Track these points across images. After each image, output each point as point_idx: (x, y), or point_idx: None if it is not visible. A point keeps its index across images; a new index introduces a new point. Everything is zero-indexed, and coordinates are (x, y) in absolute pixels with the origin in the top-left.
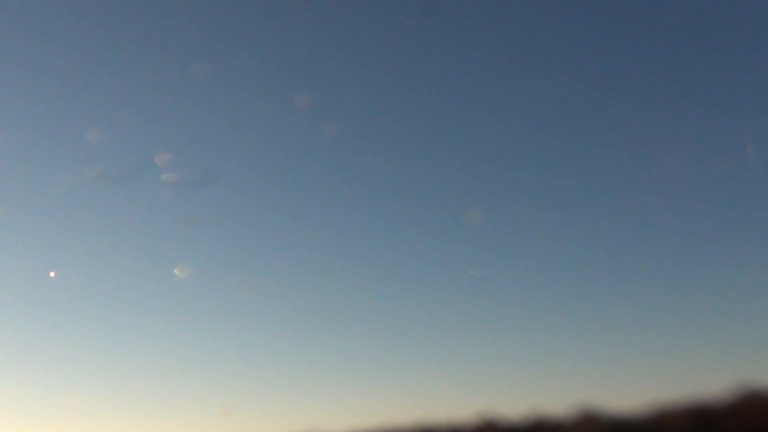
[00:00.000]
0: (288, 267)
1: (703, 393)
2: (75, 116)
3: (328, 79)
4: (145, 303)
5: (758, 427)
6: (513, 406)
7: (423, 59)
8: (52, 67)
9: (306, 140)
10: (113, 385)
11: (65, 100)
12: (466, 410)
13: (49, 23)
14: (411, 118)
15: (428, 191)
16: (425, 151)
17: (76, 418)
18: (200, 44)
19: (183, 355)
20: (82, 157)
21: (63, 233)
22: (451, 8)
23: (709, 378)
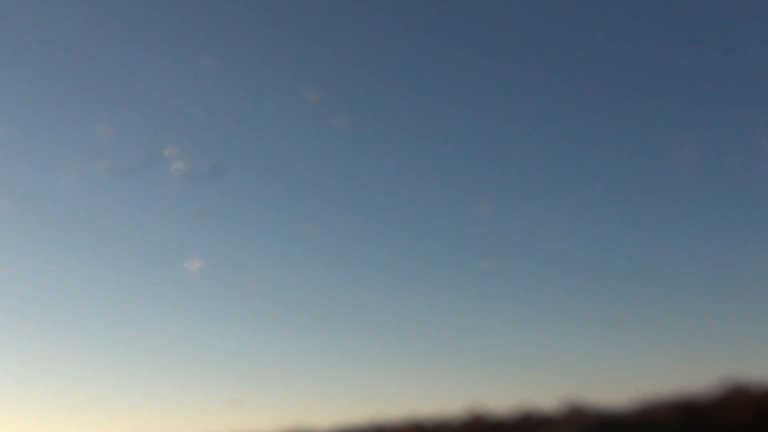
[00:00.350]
0: (297, 259)
1: (690, 387)
2: (85, 110)
3: (336, 72)
4: (155, 296)
5: (744, 421)
6: (501, 401)
7: (432, 53)
8: (62, 62)
9: (315, 133)
10: (122, 376)
11: (75, 94)
12: (455, 404)
13: (59, 19)
14: (420, 112)
15: (436, 185)
16: (434, 144)
17: (84, 407)
18: (209, 39)
19: (190, 348)
20: (91, 150)
21: (73, 226)
22: (463, 4)
23: (695, 373)
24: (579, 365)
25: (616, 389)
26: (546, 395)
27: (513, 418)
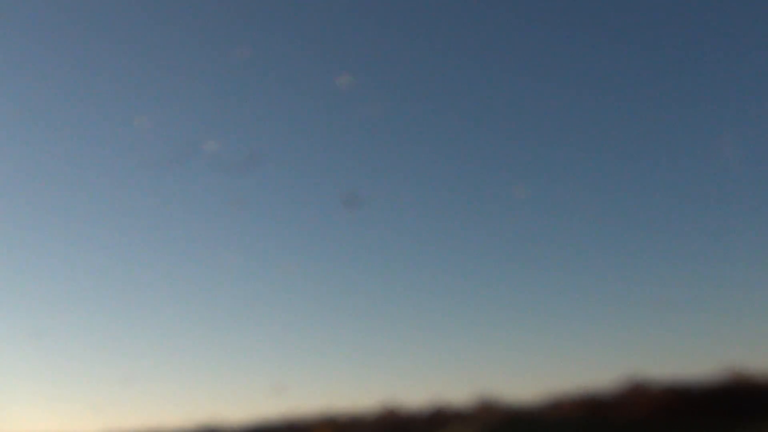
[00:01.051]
0: (319, 247)
1: (594, 384)
2: (122, 103)
3: (368, 60)
4: (192, 286)
5: (643, 416)
6: (414, 396)
7: (465, 39)
8: (98, 57)
9: (348, 120)
10: (144, 360)
11: (112, 88)
12: (369, 399)
13: (94, 15)
14: (453, 98)
15: (467, 170)
16: (467, 129)
17: (119, 390)
18: (241, 30)
19: (232, 334)
20: (129, 142)
21: (112, 217)
22: None
23: (599, 370)
24: (489, 362)
25: (525, 385)
26: (457, 390)
27: (425, 412)
